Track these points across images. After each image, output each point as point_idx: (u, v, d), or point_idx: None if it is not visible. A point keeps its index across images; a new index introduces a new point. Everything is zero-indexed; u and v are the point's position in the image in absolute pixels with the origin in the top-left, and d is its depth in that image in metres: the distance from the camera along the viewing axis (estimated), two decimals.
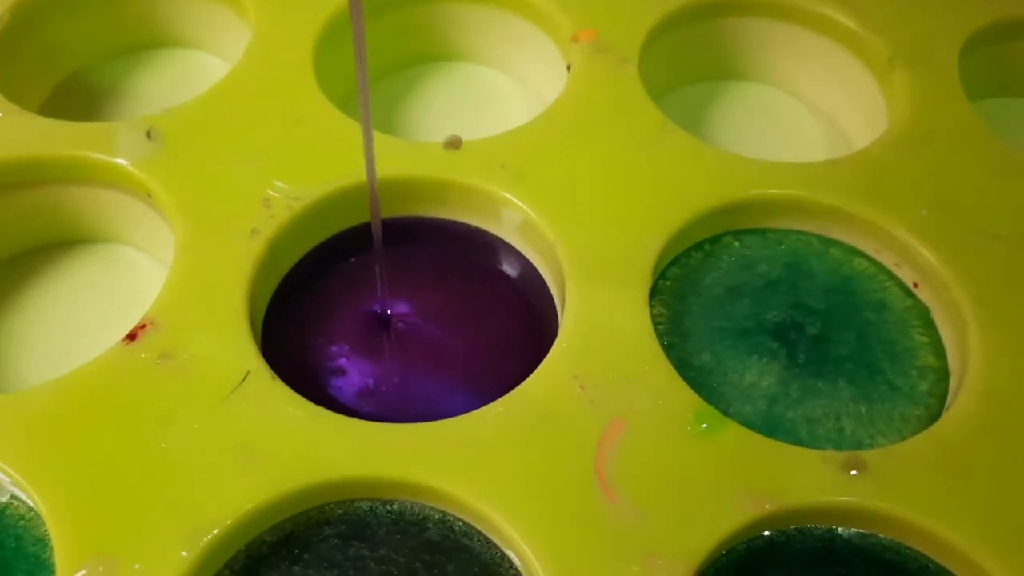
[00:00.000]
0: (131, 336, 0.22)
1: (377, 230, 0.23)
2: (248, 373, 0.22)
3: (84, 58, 0.32)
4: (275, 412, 0.21)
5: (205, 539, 0.20)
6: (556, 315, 0.25)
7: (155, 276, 0.27)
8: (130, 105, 0.32)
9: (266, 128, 0.27)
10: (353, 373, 0.24)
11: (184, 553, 0.19)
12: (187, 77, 0.32)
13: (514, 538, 0.20)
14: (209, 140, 0.26)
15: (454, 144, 0.26)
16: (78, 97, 0.32)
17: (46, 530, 0.20)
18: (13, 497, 0.21)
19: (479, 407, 0.22)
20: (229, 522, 0.20)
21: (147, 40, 0.33)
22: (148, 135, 0.26)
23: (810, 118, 0.32)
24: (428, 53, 0.33)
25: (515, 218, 0.26)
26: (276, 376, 0.22)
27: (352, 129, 0.27)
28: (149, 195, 0.26)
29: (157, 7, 0.32)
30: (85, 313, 0.26)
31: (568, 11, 0.30)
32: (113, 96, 0.32)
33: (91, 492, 0.20)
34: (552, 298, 0.25)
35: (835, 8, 0.31)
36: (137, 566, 0.19)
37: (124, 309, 0.26)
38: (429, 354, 0.24)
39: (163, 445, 0.21)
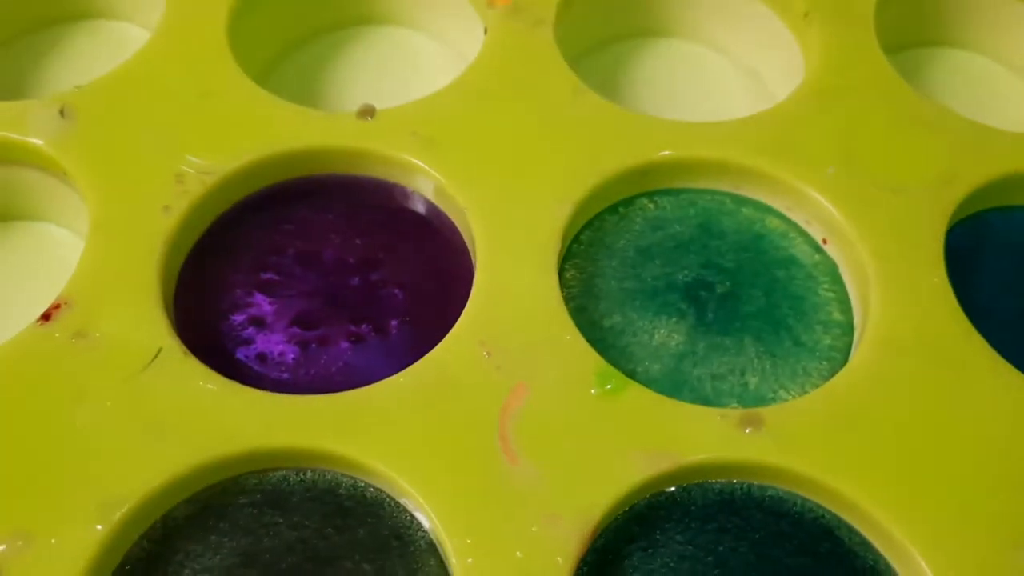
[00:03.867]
0: (45, 316, 0.23)
1: None
2: (160, 350, 0.22)
3: (4, 32, 0.32)
4: (187, 387, 0.22)
5: (119, 512, 0.20)
6: (471, 276, 0.25)
7: (77, 253, 0.27)
8: (52, 80, 0.31)
9: (179, 102, 0.27)
10: (263, 341, 0.24)
11: (99, 527, 0.20)
12: (110, 50, 0.32)
13: (421, 502, 0.21)
14: (122, 116, 0.26)
15: (367, 112, 0.27)
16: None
17: None
18: None
19: (393, 371, 0.23)
20: (142, 495, 0.20)
21: (70, 12, 0.32)
22: (61, 113, 0.26)
23: (733, 73, 0.32)
24: (350, 17, 0.33)
25: (428, 185, 0.26)
26: (188, 352, 0.22)
27: (265, 100, 0.27)
28: (65, 173, 0.26)
29: None
30: (6, 291, 0.27)
31: None
32: (35, 70, 0.31)
33: (6, 470, 0.21)
34: (467, 257, 0.26)
35: None
36: (53, 540, 0.20)
37: (46, 286, 0.26)
38: (343, 318, 0.24)
39: (76, 423, 0.21)
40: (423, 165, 0.26)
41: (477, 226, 0.25)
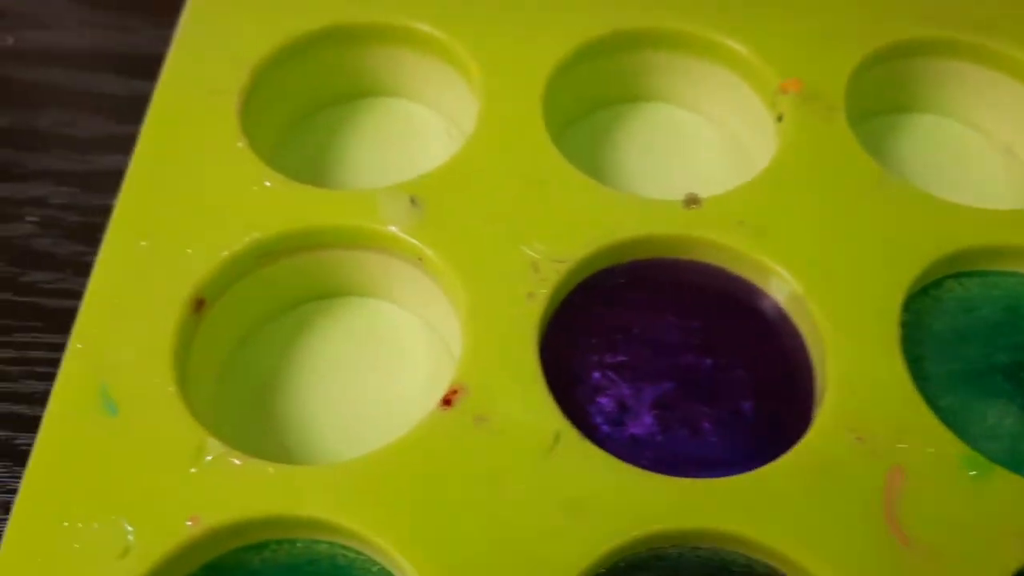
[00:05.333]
0: (447, 401, 0.25)
1: None
2: (558, 433, 0.24)
3: (304, 108, 0.34)
4: (590, 471, 0.24)
5: None
6: (808, 359, 0.27)
7: (413, 329, 0.29)
8: (345, 154, 0.33)
9: (513, 190, 0.29)
10: (631, 424, 0.26)
11: None
12: (395, 126, 0.34)
13: None
14: (464, 205, 0.28)
15: (693, 201, 0.28)
16: (301, 145, 0.33)
17: None
18: (358, 552, 0.24)
19: (753, 454, 0.25)
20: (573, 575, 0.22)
21: (356, 90, 0.34)
22: (412, 202, 0.28)
23: (987, 152, 0.34)
24: (626, 94, 0.34)
25: (761, 273, 0.28)
26: (582, 435, 0.24)
27: (589, 186, 0.29)
28: (420, 259, 0.28)
29: (371, 60, 0.34)
30: (355, 368, 0.28)
31: (771, 61, 0.32)
32: (332, 143, 0.34)
33: (446, 551, 0.23)
34: (802, 340, 0.27)
35: None
36: None
37: (383, 358, 0.29)
38: (699, 400, 0.26)
39: (498, 506, 0.23)
40: (756, 255, 0.27)
41: (819, 312, 0.26)
